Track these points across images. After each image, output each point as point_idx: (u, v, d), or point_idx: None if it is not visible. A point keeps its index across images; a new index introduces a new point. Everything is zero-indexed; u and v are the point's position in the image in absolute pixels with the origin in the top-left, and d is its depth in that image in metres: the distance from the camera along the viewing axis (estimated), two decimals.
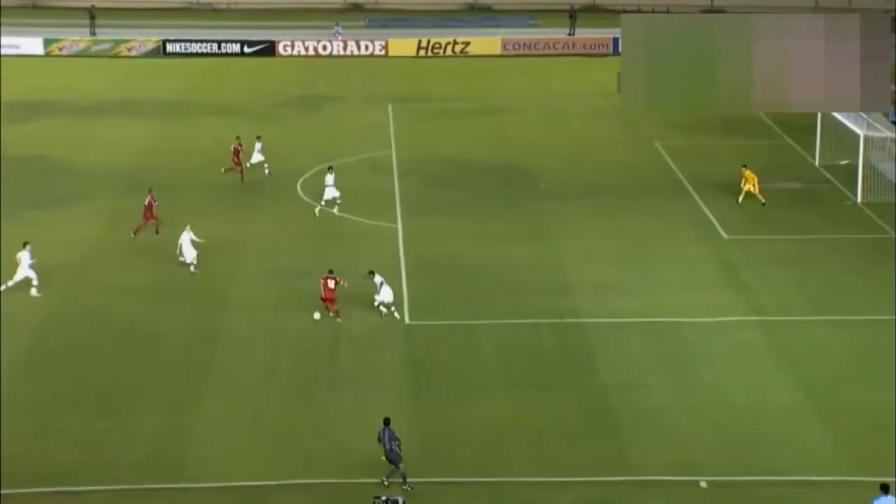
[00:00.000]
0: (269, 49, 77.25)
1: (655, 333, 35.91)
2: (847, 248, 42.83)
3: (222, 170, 50.20)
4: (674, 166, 52.67)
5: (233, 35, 79.03)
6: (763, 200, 46.97)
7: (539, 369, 33.82)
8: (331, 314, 36.72)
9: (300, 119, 61.74)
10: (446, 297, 38.71)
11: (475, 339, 35.78)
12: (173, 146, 56.28)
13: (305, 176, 51.21)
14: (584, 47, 77.87)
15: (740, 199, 46.93)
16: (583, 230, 44.74)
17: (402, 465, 27.97)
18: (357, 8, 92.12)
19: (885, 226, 44.73)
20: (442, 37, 78.58)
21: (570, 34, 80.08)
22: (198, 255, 40.31)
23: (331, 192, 45.99)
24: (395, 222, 45.45)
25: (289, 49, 77.35)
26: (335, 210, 45.69)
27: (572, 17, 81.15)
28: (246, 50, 77.23)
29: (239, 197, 48.89)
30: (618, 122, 60.70)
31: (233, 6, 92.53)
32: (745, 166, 48.24)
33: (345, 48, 77.65)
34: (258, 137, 51.50)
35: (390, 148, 55.50)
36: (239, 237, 44.15)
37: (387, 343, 35.52)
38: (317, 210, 45.70)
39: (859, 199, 47.34)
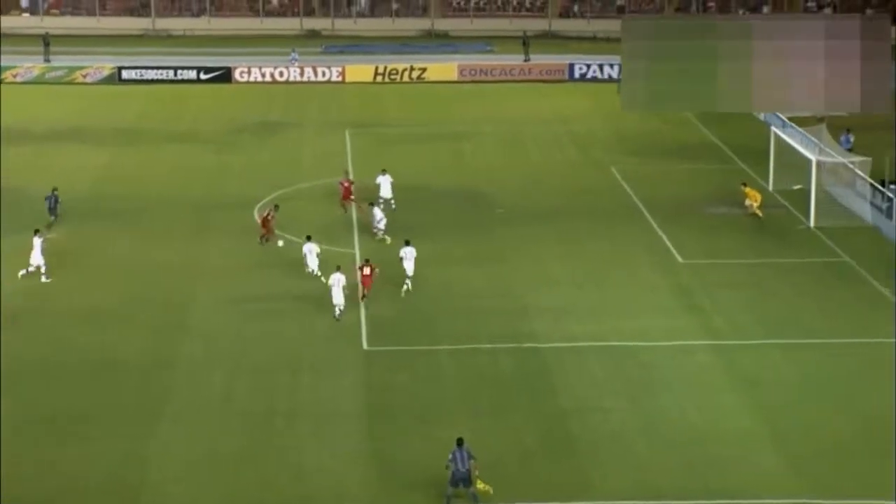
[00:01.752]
0: (225, 75, 77.19)
1: (613, 357, 36.12)
2: (800, 271, 43.30)
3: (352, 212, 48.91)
4: (629, 190, 53.09)
5: (189, 62, 78.94)
6: (761, 216, 48.18)
7: (498, 394, 33.92)
8: (362, 298, 39.44)
9: (257, 145, 61.70)
10: (405, 323, 38.76)
11: (434, 365, 35.84)
12: (129, 172, 56.08)
13: (262, 202, 51.15)
14: (541, 73, 78.46)
15: (756, 212, 48.36)
16: (540, 254, 44.96)
17: (471, 488, 27.84)
18: (314, 35, 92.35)
19: (837, 249, 45.26)
20: (399, 63, 78.87)
21: (525, 60, 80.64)
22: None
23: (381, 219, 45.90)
24: (353, 248, 45.48)
25: (245, 75, 77.34)
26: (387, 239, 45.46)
27: (525, 43, 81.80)
28: (202, 76, 77.14)
29: (195, 223, 48.76)
30: (574, 147, 61.18)
31: (188, 33, 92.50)
32: (745, 184, 49.43)
33: (302, 74, 77.75)
34: (383, 171, 50.29)
35: (348, 174, 55.51)
36: (195, 263, 44.05)
37: (345, 369, 35.51)
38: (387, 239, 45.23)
39: (812, 223, 47.87)
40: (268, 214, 46.16)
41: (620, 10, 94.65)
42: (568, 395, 33.69)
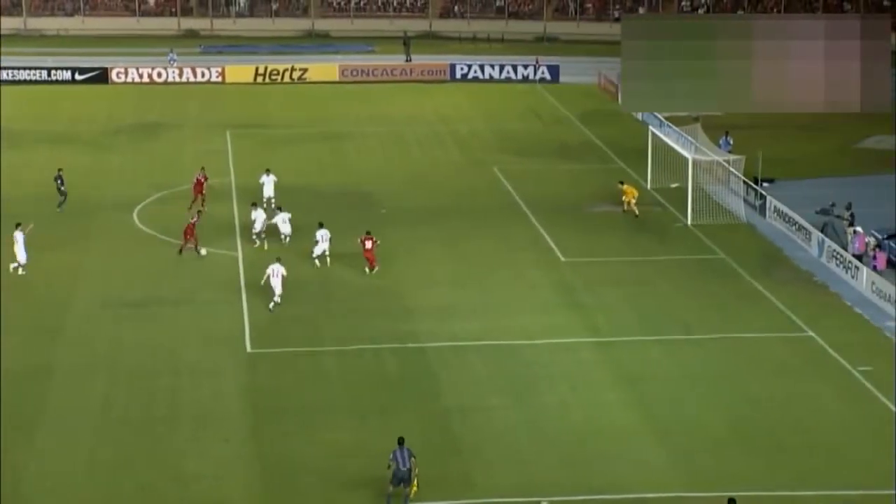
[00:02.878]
0: (101, 76, 75.61)
1: (496, 356, 36.24)
2: (678, 268, 43.97)
3: (194, 208, 48.09)
4: (512, 190, 53.39)
5: (63, 62, 77.22)
6: (637, 213, 48.88)
7: (382, 394, 33.79)
8: (368, 270, 41.99)
9: (135, 147, 60.59)
10: (288, 325, 38.39)
11: (318, 366, 35.56)
12: (2, 175, 54.50)
13: (142, 205, 50.26)
14: (422, 73, 78.51)
15: (633, 208, 49.09)
16: (423, 254, 44.93)
17: (408, 489, 27.63)
18: (192, 35, 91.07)
19: (713, 246, 46.10)
20: (279, 63, 78.22)
21: (406, 61, 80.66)
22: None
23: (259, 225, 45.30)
24: (236, 250, 44.91)
25: (122, 76, 75.86)
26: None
27: (406, 43, 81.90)
28: (77, 77, 75.46)
29: (74, 227, 47.64)
30: (456, 147, 61.37)
31: (62, 33, 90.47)
32: (622, 182, 50.05)
33: (180, 75, 76.57)
34: (267, 171, 49.75)
35: (229, 175, 54.89)
36: (74, 267, 43.04)
37: (227, 372, 35.02)
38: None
39: (689, 221, 48.67)
40: (193, 222, 44.21)
41: (500, 11, 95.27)
42: (452, 395, 33.71)
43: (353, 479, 29.16)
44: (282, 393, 33.85)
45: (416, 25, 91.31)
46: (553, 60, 79.73)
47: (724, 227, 48.06)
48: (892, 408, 32.89)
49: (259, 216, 45.39)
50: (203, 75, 76.69)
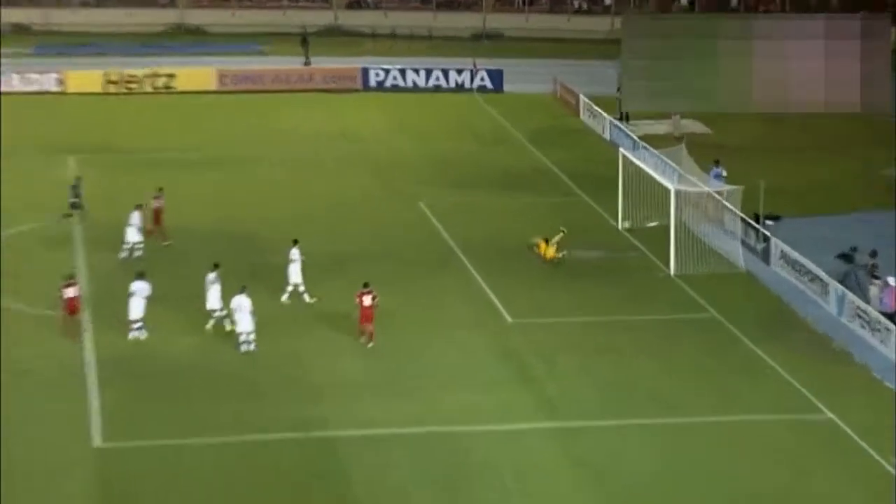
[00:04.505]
0: None
1: (425, 446, 36.34)
2: (658, 331, 44.40)
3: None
4: (444, 232, 53.75)
5: None
6: (561, 257, 49.58)
7: (278, 499, 33.75)
8: (363, 339, 42.27)
9: None
10: (152, 410, 38.24)
11: (191, 464, 35.40)
12: None
13: None
14: (326, 80, 78.92)
15: (554, 256, 49.73)
16: (330, 314, 44.97)
17: None
18: (20, 30, 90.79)
19: (703, 302, 46.63)
20: (138, 67, 78.31)
21: (305, 64, 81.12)
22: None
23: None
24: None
25: None
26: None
27: (305, 42, 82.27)
28: None
29: None
30: (371, 175, 61.70)
31: None
32: (563, 230, 50.44)
33: (6, 83, 76.25)
34: (138, 205, 51.07)
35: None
36: None
37: (70, 472, 34.77)
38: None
39: (672, 270, 49.20)
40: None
41: (426, 1, 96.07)
42: (367, 499, 33.73)
43: None
44: (140, 500, 33.67)
45: (317, 19, 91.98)
46: (495, 64, 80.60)
47: (716, 277, 48.71)
48: None
49: (215, 287, 43.40)
50: (36, 83, 76.45)
